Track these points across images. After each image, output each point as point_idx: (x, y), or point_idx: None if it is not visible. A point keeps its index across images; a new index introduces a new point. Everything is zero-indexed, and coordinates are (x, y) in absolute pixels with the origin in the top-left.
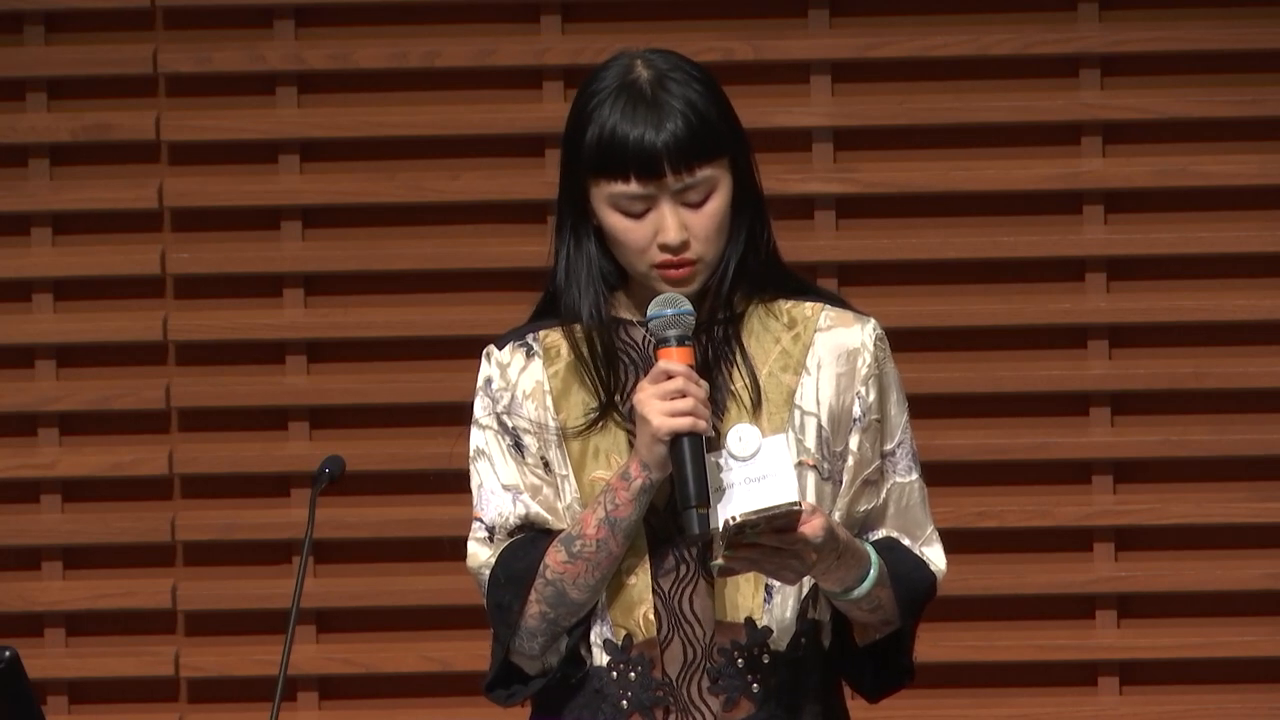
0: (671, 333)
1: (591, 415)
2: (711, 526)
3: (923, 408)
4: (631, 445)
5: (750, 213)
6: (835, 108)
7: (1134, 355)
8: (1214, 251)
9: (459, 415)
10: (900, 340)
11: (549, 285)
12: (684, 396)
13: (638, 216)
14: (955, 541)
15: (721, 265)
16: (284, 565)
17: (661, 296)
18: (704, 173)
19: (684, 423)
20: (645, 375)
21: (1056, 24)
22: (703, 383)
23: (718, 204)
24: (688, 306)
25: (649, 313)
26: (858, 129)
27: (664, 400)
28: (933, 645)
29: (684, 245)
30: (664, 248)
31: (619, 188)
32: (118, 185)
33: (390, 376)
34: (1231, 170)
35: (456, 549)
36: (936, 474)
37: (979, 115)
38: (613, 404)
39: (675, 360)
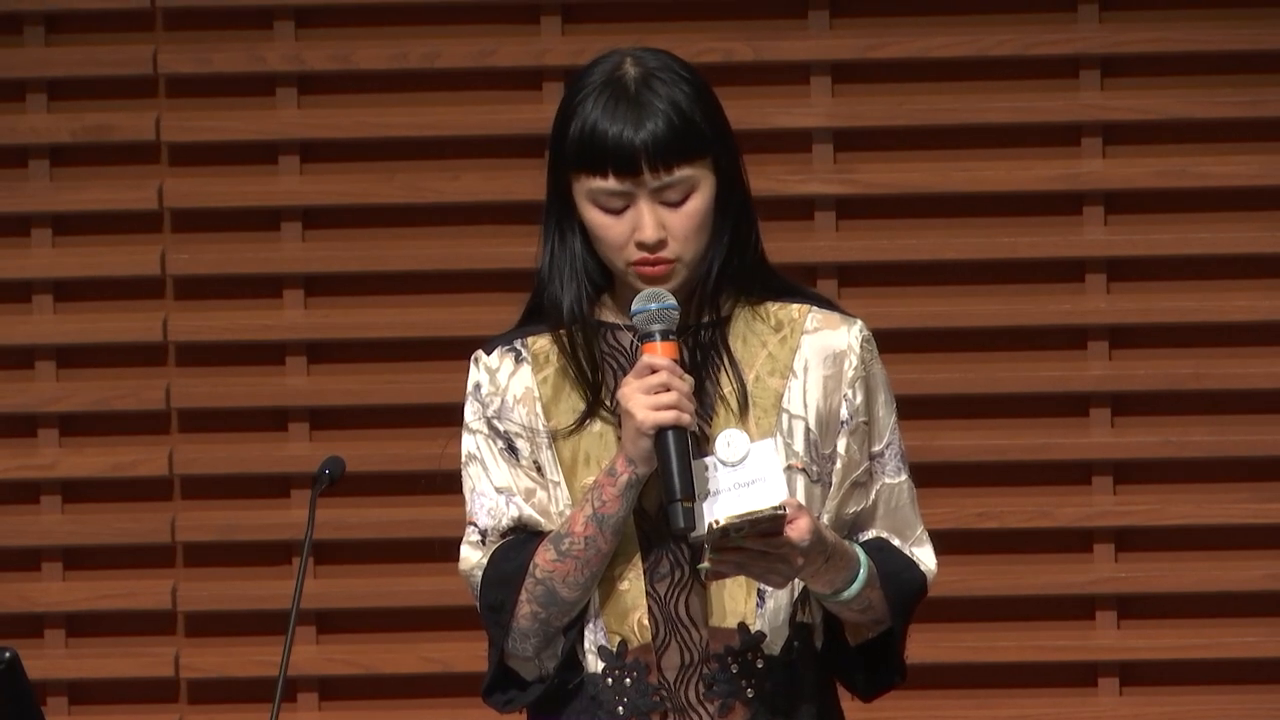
0: (655, 327)
1: (580, 417)
2: (697, 528)
3: (922, 409)
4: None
5: (735, 214)
6: (835, 108)
7: (1134, 356)
8: (1214, 252)
9: (459, 416)
10: (900, 341)
11: (536, 283)
12: (668, 390)
13: (616, 213)
14: (956, 542)
15: (705, 266)
16: (284, 566)
17: (646, 291)
18: (683, 172)
19: (668, 416)
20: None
21: (1057, 25)
22: (687, 377)
23: (697, 204)
24: (671, 301)
25: (633, 307)
26: (858, 130)
27: (648, 394)
28: (932, 646)
29: (660, 244)
30: (641, 245)
31: (598, 183)
32: (118, 186)
33: (390, 377)
34: (1231, 171)
35: (446, 550)
36: (936, 475)
37: (979, 116)
38: (599, 404)
39: (659, 354)
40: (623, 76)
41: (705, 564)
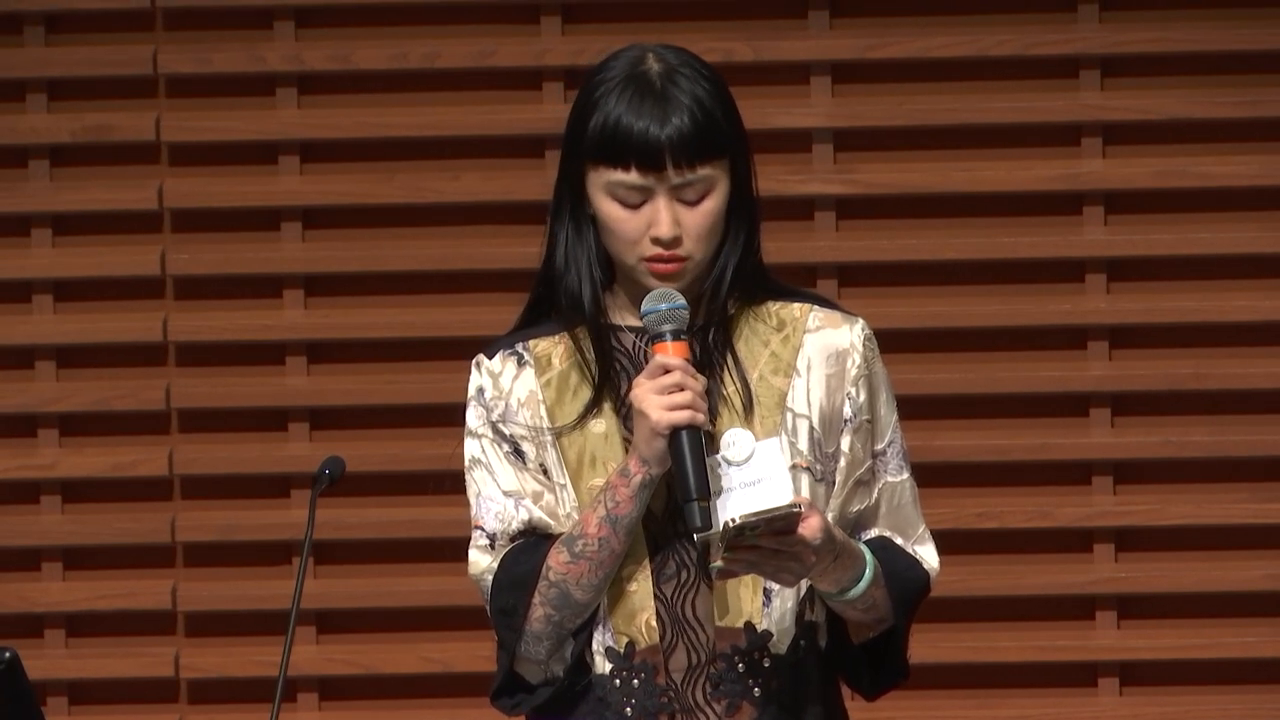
0: (667, 327)
1: (583, 411)
2: (713, 527)
3: (923, 409)
4: (629, 452)
5: (747, 216)
6: (835, 108)
7: (1134, 356)
8: (1214, 252)
9: (459, 416)
10: (900, 341)
11: (541, 276)
12: (681, 390)
13: (634, 207)
14: (956, 543)
15: (717, 268)
16: (284, 566)
17: (655, 291)
18: (704, 171)
19: (682, 416)
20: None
21: (1056, 25)
22: (700, 376)
23: (713, 204)
24: (681, 300)
25: (643, 308)
26: (858, 130)
27: (661, 394)
28: (933, 646)
29: (676, 241)
30: (656, 241)
31: (618, 176)
32: (118, 186)
33: (390, 377)
34: (1231, 171)
35: (455, 550)
36: (937, 475)
37: (979, 116)
38: (602, 399)
39: (671, 354)
40: (646, 71)
41: (718, 563)
